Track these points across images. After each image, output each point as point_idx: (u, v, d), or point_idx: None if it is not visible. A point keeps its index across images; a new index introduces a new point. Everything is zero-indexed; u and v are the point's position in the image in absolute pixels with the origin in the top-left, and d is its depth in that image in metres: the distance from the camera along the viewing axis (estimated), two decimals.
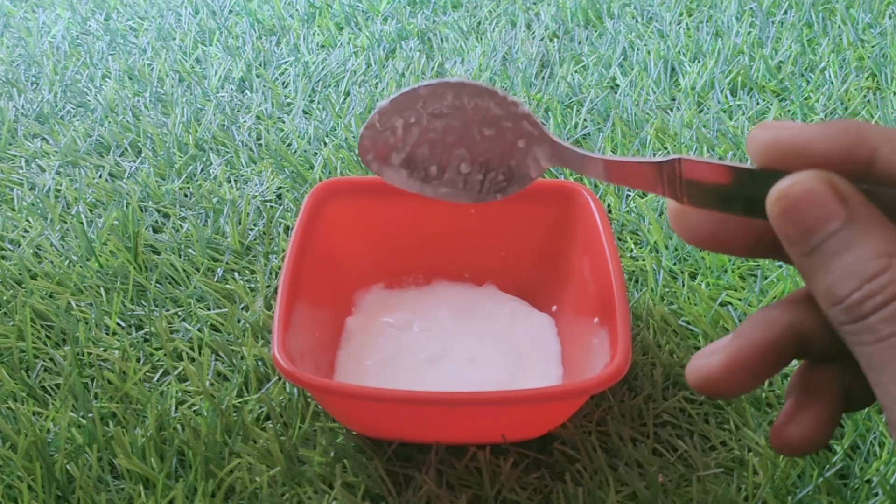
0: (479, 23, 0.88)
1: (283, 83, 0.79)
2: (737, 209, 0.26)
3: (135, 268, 0.59)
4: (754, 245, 0.26)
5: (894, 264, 0.22)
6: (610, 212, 0.63)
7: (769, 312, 0.26)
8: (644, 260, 0.58)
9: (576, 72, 0.79)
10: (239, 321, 0.55)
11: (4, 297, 0.57)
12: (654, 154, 0.68)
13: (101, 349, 0.53)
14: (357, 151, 0.33)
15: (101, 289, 0.58)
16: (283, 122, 0.74)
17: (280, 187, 0.66)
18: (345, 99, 0.77)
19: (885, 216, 0.23)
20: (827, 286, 0.23)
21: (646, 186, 0.27)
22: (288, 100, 0.77)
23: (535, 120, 0.30)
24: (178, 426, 0.49)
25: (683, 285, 0.57)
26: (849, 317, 0.23)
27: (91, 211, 0.65)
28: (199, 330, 0.54)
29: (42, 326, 0.55)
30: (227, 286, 0.57)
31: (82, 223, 0.63)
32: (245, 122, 0.74)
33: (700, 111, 0.74)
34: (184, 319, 0.55)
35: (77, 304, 0.57)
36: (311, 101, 0.76)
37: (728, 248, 0.27)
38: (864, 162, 0.24)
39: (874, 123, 0.25)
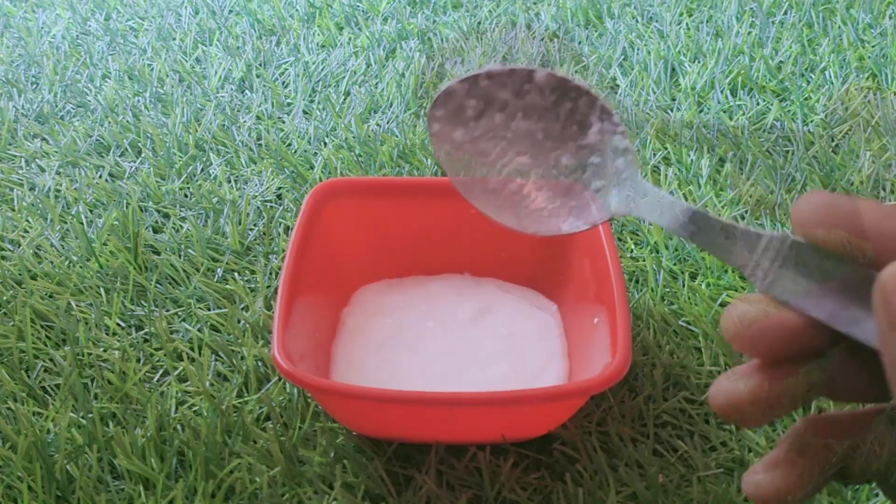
0: (479, 23, 0.88)
1: (283, 83, 0.79)
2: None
3: (135, 268, 0.59)
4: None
5: None
6: None
7: None
8: (644, 260, 0.58)
9: (576, 72, 0.79)
10: (239, 321, 0.55)
11: (4, 297, 0.57)
12: (654, 154, 0.68)
13: (101, 349, 0.53)
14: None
15: (101, 289, 0.58)
16: (283, 122, 0.74)
17: (280, 187, 0.66)
18: (345, 99, 0.77)
19: None
20: None
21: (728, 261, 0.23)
22: (288, 100, 0.77)
23: (633, 157, 0.24)
24: (178, 426, 0.49)
25: (683, 285, 0.57)
26: None
27: (91, 211, 0.65)
28: (199, 330, 0.54)
29: (42, 326, 0.55)
30: (227, 286, 0.57)
31: (82, 223, 0.63)
32: (245, 122, 0.74)
33: (700, 111, 0.74)
34: (184, 320, 0.55)
35: (77, 305, 0.57)
36: (311, 101, 0.76)
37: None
38: None
39: None
